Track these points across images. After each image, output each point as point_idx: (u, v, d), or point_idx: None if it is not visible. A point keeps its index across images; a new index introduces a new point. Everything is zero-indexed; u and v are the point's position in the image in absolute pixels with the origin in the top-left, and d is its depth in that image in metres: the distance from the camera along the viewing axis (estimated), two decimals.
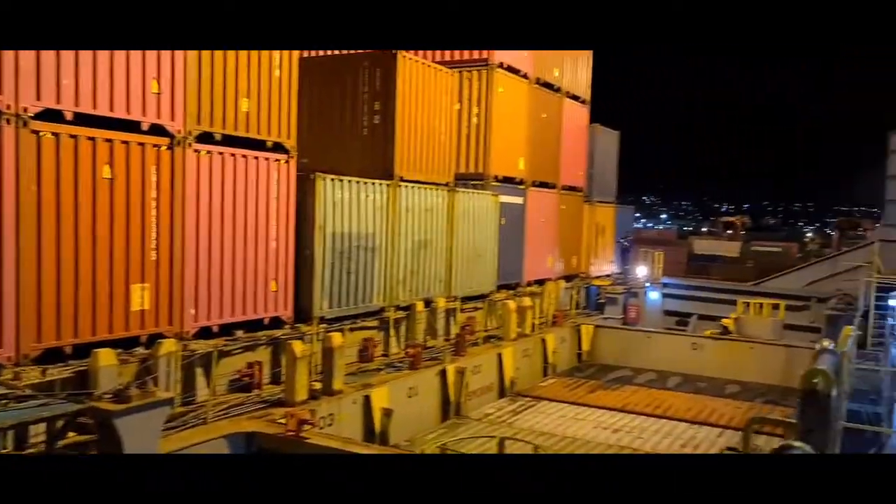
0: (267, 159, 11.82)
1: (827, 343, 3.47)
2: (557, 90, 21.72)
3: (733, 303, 25.05)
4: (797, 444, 2.50)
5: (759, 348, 19.26)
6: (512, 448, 11.51)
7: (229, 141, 11.12)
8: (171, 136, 10.22)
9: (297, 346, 11.46)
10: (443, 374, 14.59)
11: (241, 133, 11.36)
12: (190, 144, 10.43)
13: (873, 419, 17.67)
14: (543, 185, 21.43)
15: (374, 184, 14.22)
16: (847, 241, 47.02)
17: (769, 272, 34.40)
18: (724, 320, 23.80)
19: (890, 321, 22.99)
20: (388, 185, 14.61)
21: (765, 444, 9.62)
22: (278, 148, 12.03)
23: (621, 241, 29.02)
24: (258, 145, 11.68)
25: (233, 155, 11.24)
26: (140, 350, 9.83)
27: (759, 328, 22.48)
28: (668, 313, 29.57)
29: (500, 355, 16.64)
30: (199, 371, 10.72)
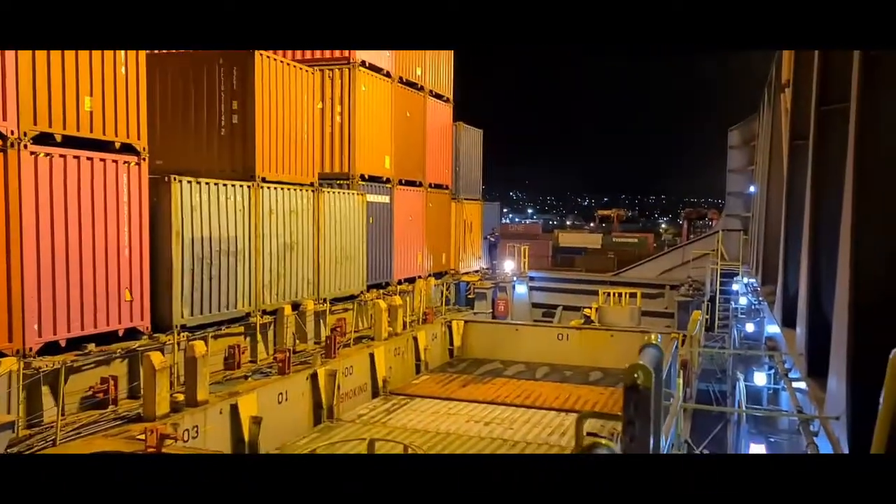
0: (115, 162, 11.21)
1: (654, 337, 3.67)
2: (421, 89, 21.89)
3: (596, 293, 26.28)
4: (603, 440, 2.61)
5: (618, 335, 20.19)
6: (383, 449, 11.48)
7: (72, 142, 10.44)
8: (3, 138, 9.48)
9: (156, 357, 10.92)
10: (314, 377, 14.36)
11: (85, 134, 10.70)
12: (25, 146, 9.72)
13: (720, 397, 19.14)
14: (410, 183, 21.56)
15: (234, 185, 13.83)
16: (695, 230, 50.51)
17: (628, 262, 36.38)
18: (587, 310, 24.96)
19: (733, 305, 24.93)
20: (249, 186, 14.25)
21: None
22: (128, 149, 11.44)
23: (488, 237, 29.67)
24: (105, 147, 11.05)
25: (76, 157, 10.55)
26: None
27: (618, 316, 23.68)
28: (536, 306, 30.62)
29: (371, 355, 16.56)
30: (45, 390, 10.03)
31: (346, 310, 18.00)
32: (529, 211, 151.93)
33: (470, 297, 25.49)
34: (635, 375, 2.97)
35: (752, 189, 32.83)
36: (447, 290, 23.92)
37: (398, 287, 20.67)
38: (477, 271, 28.01)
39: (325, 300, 16.96)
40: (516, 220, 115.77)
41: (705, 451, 11.89)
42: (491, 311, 25.24)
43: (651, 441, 3.12)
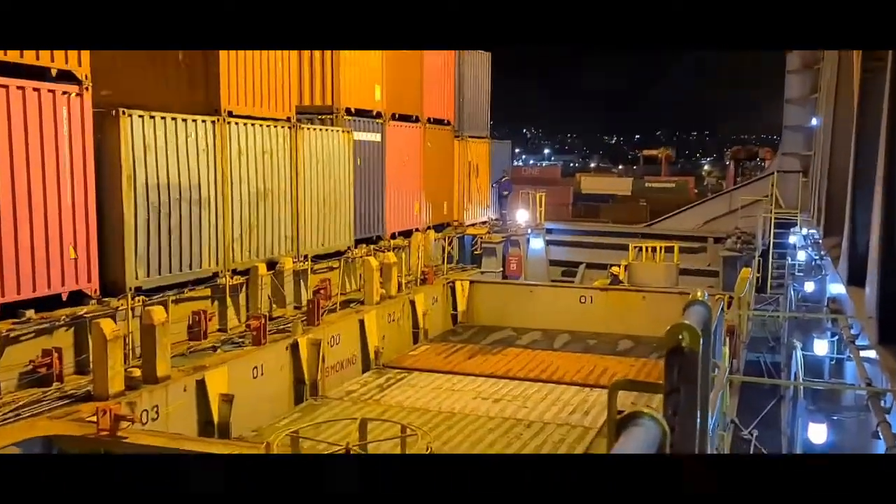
0: (52, 92, 11.07)
1: (700, 294, 3.62)
2: None
3: (625, 248, 26.18)
4: (645, 410, 2.58)
5: (652, 298, 20.20)
6: (376, 431, 11.57)
7: None
8: None
9: (108, 326, 10.95)
10: (294, 348, 14.44)
11: (13, 59, 10.51)
12: None
13: (773, 370, 19.23)
14: (405, 118, 21.46)
15: (195, 121, 13.74)
16: (744, 172, 50.32)
17: (664, 211, 36.32)
18: (615, 268, 24.92)
19: (789, 260, 24.93)
20: (213, 122, 14.16)
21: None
22: (66, 77, 11.29)
23: (497, 183, 29.52)
24: (38, 74, 10.89)
25: (3, 87, 10.40)
26: None
27: (652, 275, 23.67)
28: (554, 263, 30.70)
29: (361, 322, 16.64)
30: None
31: (330, 268, 18.02)
32: (546, 151, 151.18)
33: (476, 253, 25.72)
34: (680, 337, 2.92)
35: (814, 122, 32.52)
36: (449, 245, 24.02)
37: (392, 242, 20.66)
38: (485, 223, 28.00)
39: (305, 257, 16.97)
40: (531, 161, 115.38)
41: (754, 432, 11.89)
42: (501, 269, 25.38)
43: (698, 415, 3.10)
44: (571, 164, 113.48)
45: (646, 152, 78.20)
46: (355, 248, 18.97)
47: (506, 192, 30.04)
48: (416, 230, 22.09)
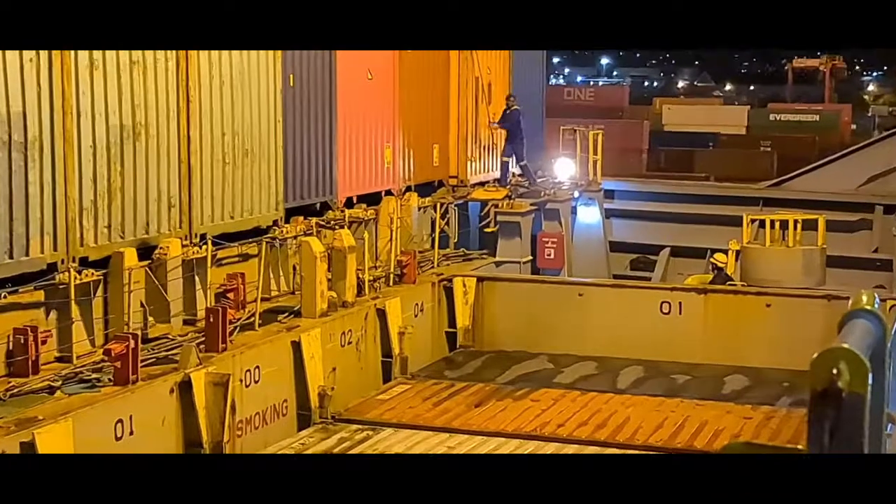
0: None
1: (866, 299, 3.56)
2: None
3: (736, 222, 26.04)
4: None
5: (782, 305, 20.12)
6: None
7: None
8: None
9: None
10: (185, 389, 14.42)
11: None
12: None
13: None
14: None
15: None
16: None
17: (800, 163, 36.03)
18: (719, 255, 24.78)
19: None
20: None
21: None
22: None
23: (495, 124, 28.65)
24: None
25: None
26: None
27: (782, 267, 23.57)
28: (618, 248, 30.52)
29: (297, 346, 16.64)
30: None
31: (245, 257, 18.04)
32: (605, 62, 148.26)
33: (488, 230, 25.48)
34: (833, 371, 2.88)
35: None
36: (444, 218, 23.82)
37: (348, 213, 20.62)
38: (498, 182, 27.89)
39: (203, 238, 16.91)
40: (580, 80, 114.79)
41: None
42: (530, 258, 25.17)
43: None
44: (646, 84, 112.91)
45: (798, 62, 76.70)
46: (286, 223, 19.01)
47: (512, 139, 29.01)
48: (389, 193, 22.08)
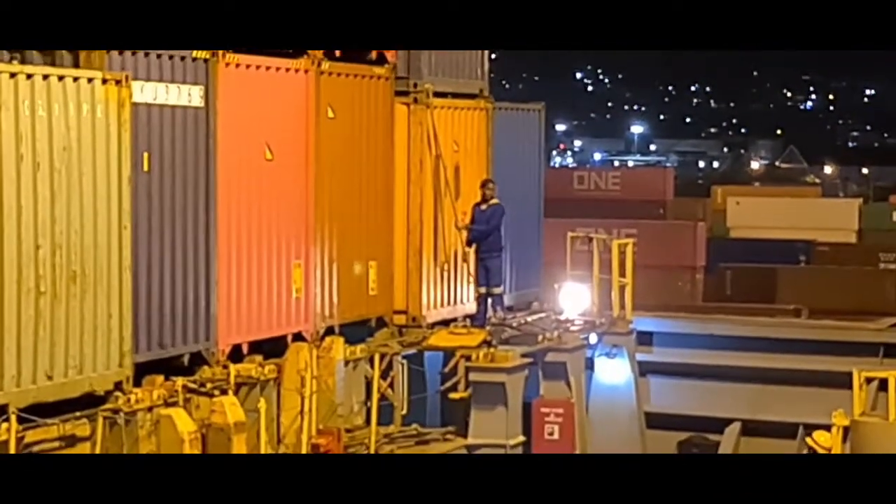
0: None
1: None
2: None
3: (843, 382, 22.50)
4: None
5: None
6: None
7: None
8: None
9: None
10: None
11: None
12: None
13: None
14: (268, 48, 19.68)
15: None
16: None
17: None
18: (818, 434, 21.56)
19: None
20: None
21: None
22: None
23: (462, 227, 24.71)
24: None
25: None
26: None
27: None
28: (657, 421, 27.47)
29: None
30: None
31: (71, 441, 16.10)
32: (639, 130, 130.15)
33: (454, 396, 22.60)
34: None
35: None
36: (384, 377, 21.49)
37: (233, 371, 18.54)
38: (472, 320, 24.46)
39: (2, 413, 15.09)
40: (598, 157, 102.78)
41: None
42: (521, 439, 22.45)
43: None
44: (702, 165, 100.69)
45: None
46: (136, 386, 17.18)
47: (488, 252, 25.25)
48: (299, 338, 20.30)
